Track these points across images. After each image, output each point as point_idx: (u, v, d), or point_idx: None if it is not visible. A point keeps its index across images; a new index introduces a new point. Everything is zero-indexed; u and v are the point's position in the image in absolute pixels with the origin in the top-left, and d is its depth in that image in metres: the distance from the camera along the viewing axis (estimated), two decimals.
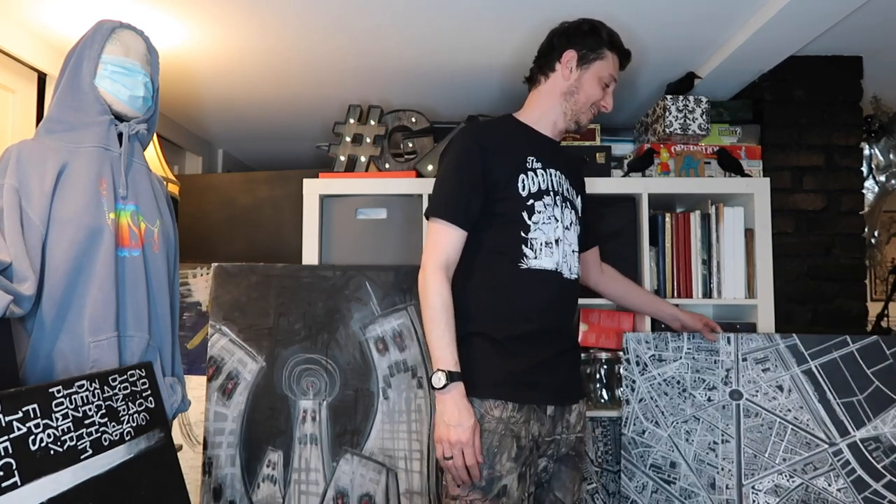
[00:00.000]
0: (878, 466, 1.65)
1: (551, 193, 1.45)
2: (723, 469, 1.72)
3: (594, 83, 1.47)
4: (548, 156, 1.48)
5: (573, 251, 1.49)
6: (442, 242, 1.38)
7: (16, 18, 1.95)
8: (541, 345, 1.40)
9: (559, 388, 1.43)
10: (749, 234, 2.10)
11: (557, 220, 1.44)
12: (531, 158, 1.45)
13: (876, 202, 2.81)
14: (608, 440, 1.99)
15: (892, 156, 2.75)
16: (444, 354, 1.32)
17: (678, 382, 1.80)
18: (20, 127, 2.08)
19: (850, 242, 2.26)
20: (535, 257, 1.40)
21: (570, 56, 1.48)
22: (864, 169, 2.48)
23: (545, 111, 1.51)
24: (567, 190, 1.51)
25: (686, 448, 1.75)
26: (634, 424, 1.79)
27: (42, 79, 2.17)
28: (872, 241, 2.88)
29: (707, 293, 2.09)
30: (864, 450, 1.67)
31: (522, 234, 1.40)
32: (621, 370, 1.88)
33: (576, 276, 1.49)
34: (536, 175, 1.44)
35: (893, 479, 1.65)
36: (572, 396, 1.47)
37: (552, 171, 1.47)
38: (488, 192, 1.40)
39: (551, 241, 1.42)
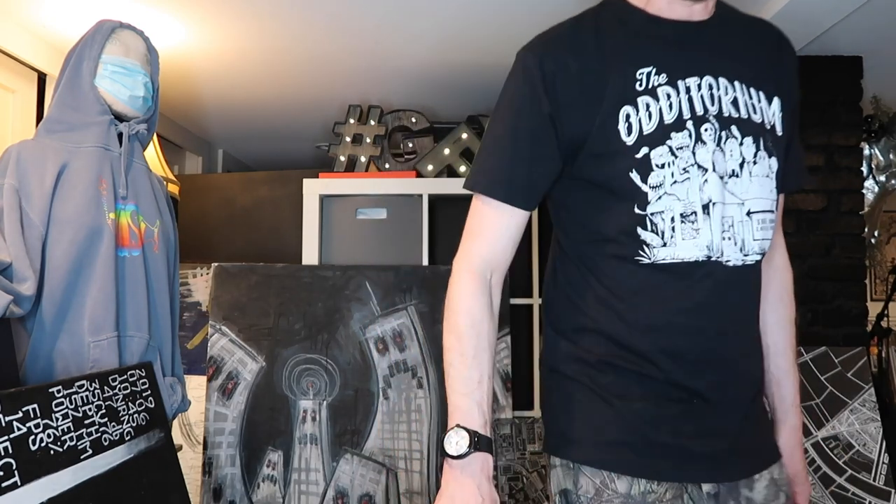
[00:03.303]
0: (840, 462, 1.80)
1: (691, 123, 0.86)
2: None
3: None
4: (685, 56, 0.89)
5: (750, 212, 0.88)
6: (481, 230, 0.93)
7: (16, 18, 1.95)
8: (690, 384, 0.88)
9: (726, 454, 0.89)
10: None
11: (704, 169, 0.85)
12: (647, 72, 0.87)
13: (876, 202, 2.81)
14: None
15: (892, 156, 2.75)
16: (466, 403, 0.85)
17: None
18: (20, 127, 2.07)
19: (850, 242, 2.26)
20: (665, 244, 0.85)
21: None
22: (864, 169, 2.48)
23: None
24: (735, 102, 0.89)
25: None
26: None
27: (42, 79, 2.17)
28: (872, 241, 2.89)
29: None
30: (825, 448, 1.81)
31: (637, 210, 0.86)
32: None
33: (757, 257, 0.90)
34: (657, 100, 0.86)
35: (854, 472, 1.78)
36: (750, 464, 0.91)
37: (692, 80, 0.88)
38: (567, 148, 0.89)
39: (694, 211, 0.85)
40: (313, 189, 2.15)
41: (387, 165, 2.26)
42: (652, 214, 0.85)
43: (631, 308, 0.88)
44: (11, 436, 0.96)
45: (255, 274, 1.94)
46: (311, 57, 2.26)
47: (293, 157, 3.73)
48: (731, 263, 0.87)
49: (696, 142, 0.86)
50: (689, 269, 0.86)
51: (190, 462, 2.31)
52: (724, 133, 0.87)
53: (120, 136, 1.45)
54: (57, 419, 1.06)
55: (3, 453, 0.94)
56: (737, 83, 0.90)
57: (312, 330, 1.90)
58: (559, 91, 0.87)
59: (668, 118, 0.86)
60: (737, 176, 0.87)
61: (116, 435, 1.19)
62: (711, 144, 0.86)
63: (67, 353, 1.32)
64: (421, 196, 2.15)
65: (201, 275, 2.56)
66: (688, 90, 0.87)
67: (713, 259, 0.86)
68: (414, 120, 2.31)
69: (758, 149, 0.89)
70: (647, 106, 0.86)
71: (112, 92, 1.45)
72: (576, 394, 0.92)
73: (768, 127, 0.91)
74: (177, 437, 2.36)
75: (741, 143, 0.88)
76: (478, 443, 0.83)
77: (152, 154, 2.36)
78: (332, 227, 2.16)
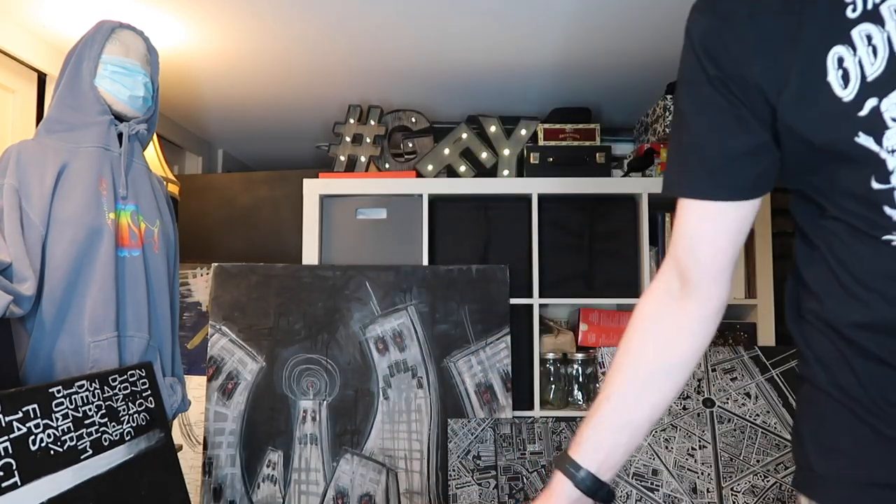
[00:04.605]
0: None
1: None
2: (702, 473, 1.80)
3: None
4: None
5: None
6: (676, 233, 0.79)
7: (16, 18, 1.95)
8: None
9: None
10: (749, 233, 2.10)
11: None
12: None
13: None
14: None
15: None
16: (583, 425, 0.78)
17: None
18: (20, 127, 2.07)
19: None
20: None
21: None
22: None
23: None
24: None
25: (666, 455, 1.82)
26: None
27: (42, 79, 2.17)
28: None
29: None
30: None
31: (877, 185, 0.62)
32: (599, 384, 1.91)
33: None
34: (882, 25, 0.59)
35: None
36: None
37: None
38: (760, 113, 0.68)
39: None
40: (313, 189, 2.15)
41: (387, 165, 2.26)
42: None
43: (885, 298, 0.63)
44: (11, 436, 0.96)
45: (255, 274, 1.95)
46: (311, 57, 2.26)
47: (293, 157, 3.72)
48: None
49: None
50: None
51: (190, 462, 2.31)
52: None
53: (120, 136, 1.46)
54: (57, 419, 1.06)
55: (3, 453, 0.94)
56: None
57: (312, 330, 1.90)
58: (728, 45, 0.66)
59: None
60: None
61: (116, 435, 1.19)
62: None
63: (67, 353, 1.33)
64: (421, 196, 2.14)
65: (201, 275, 2.56)
66: None
67: None
68: (414, 120, 2.31)
69: None
70: (869, 38, 0.59)
71: (112, 92, 1.45)
72: (826, 409, 0.69)
73: None
74: (177, 437, 2.36)
75: None
76: (566, 465, 0.76)
77: (152, 154, 2.36)
78: (332, 227, 2.16)
